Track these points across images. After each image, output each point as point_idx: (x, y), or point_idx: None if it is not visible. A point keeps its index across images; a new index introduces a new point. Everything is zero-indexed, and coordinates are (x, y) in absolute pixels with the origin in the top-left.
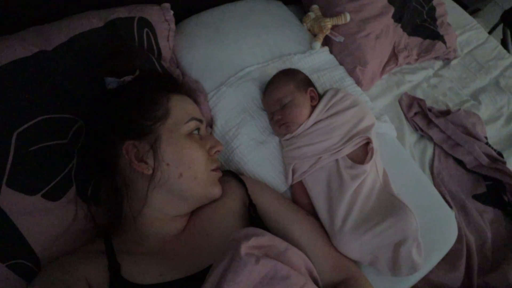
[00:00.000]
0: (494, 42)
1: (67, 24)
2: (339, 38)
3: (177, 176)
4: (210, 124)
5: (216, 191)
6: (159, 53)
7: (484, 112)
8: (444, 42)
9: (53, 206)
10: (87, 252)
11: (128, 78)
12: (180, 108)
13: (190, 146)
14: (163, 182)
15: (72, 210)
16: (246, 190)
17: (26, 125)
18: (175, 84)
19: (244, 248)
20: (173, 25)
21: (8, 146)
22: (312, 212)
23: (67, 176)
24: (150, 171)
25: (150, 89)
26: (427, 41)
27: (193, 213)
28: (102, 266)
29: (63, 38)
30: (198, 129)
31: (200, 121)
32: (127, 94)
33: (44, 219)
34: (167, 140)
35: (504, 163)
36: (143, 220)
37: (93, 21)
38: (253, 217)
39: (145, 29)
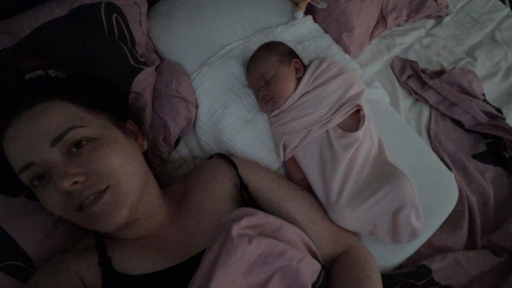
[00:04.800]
0: None
1: (28, 17)
2: (321, 5)
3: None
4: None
5: (103, 226)
6: (132, 39)
7: (481, 68)
8: None
9: (38, 205)
10: (77, 249)
11: None
12: (10, 156)
13: (41, 199)
14: None
15: None
16: (237, 170)
17: None
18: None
19: (235, 229)
20: (144, 8)
21: None
22: (307, 187)
23: None
24: None
25: None
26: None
27: (183, 199)
28: (93, 261)
29: (26, 31)
30: (39, 176)
31: (29, 165)
32: None
33: (31, 219)
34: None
35: (504, 119)
36: None
37: (56, 10)
38: (246, 198)
39: (114, 15)
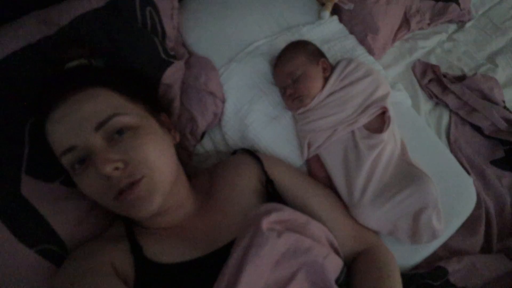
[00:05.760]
0: (510, 1)
1: (67, 7)
2: (348, 6)
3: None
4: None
5: (137, 212)
6: (164, 33)
7: (501, 75)
8: (458, 4)
9: (72, 192)
10: (108, 237)
11: None
12: (52, 138)
13: (80, 183)
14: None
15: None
16: (262, 166)
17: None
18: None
19: (265, 223)
20: (176, 3)
21: (22, 136)
22: (329, 185)
23: None
24: None
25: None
26: (440, 4)
27: (209, 192)
28: (125, 249)
29: (64, 21)
30: (80, 160)
31: (72, 148)
32: None
33: (65, 205)
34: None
35: None
36: None
37: (93, 1)
38: (271, 193)
39: (148, 8)
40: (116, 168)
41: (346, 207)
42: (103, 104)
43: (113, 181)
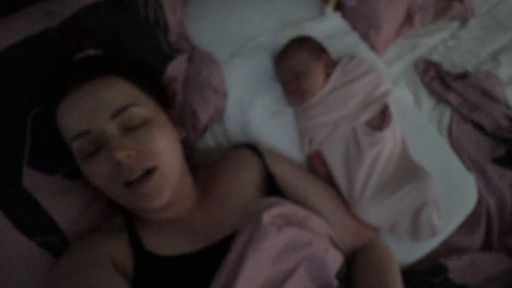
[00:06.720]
0: None
1: None
2: (351, 2)
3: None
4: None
5: (147, 204)
6: (166, 26)
7: (504, 73)
8: (462, 1)
9: (74, 184)
10: (108, 229)
11: None
12: (64, 123)
13: (88, 169)
14: None
15: (92, 188)
16: (264, 160)
17: (40, 106)
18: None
19: (266, 217)
20: None
21: (24, 128)
22: (329, 181)
23: None
24: None
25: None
26: (444, 1)
27: (210, 185)
28: (124, 241)
29: (67, 12)
30: (91, 145)
31: (86, 133)
32: None
33: (67, 197)
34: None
35: None
36: None
37: None
38: (272, 188)
39: (151, 1)
40: (129, 156)
41: (346, 203)
42: (121, 93)
43: (123, 168)
